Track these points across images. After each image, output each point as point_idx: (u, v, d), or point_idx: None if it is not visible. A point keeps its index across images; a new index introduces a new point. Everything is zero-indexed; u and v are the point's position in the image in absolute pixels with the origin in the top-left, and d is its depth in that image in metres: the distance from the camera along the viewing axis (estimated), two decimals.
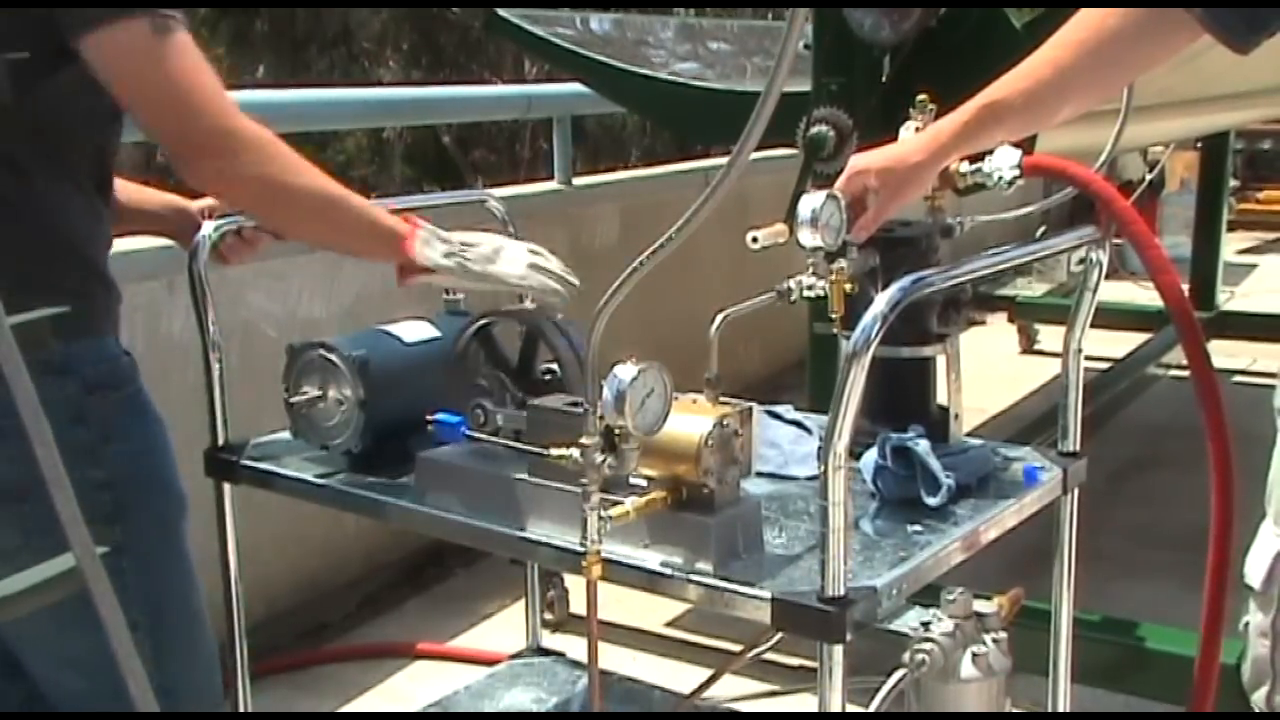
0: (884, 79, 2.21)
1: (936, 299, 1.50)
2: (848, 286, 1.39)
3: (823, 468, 1.10)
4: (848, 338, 1.15)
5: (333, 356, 1.52)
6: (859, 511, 1.37)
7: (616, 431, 1.13)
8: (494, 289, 1.46)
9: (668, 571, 1.21)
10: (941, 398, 1.59)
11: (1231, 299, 5.26)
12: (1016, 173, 1.50)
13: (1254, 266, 6.88)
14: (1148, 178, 5.14)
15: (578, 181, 3.85)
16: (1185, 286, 4.57)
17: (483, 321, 1.47)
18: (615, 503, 1.18)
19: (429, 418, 1.41)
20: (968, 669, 1.11)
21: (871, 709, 1.07)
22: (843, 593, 1.12)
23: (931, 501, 1.36)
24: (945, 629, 1.11)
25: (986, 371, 4.48)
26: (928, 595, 1.22)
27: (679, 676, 2.40)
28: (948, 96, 1.47)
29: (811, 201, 1.34)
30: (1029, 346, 5.16)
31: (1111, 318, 4.25)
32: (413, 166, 6.60)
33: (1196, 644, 1.53)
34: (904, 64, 2.17)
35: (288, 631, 2.68)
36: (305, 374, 1.55)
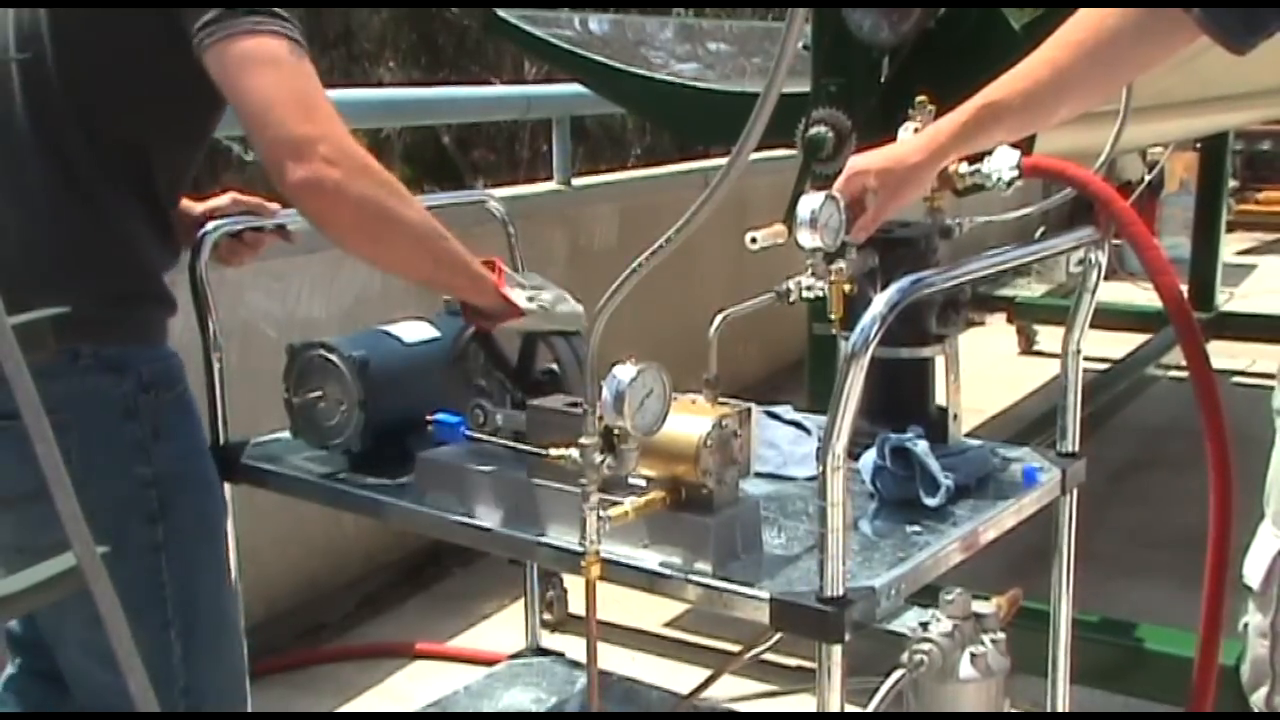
0: (883, 80, 2.21)
1: (936, 300, 1.50)
2: (847, 287, 1.39)
3: (821, 468, 1.10)
4: (846, 338, 1.15)
5: (333, 357, 1.52)
6: (858, 512, 1.37)
7: (615, 432, 1.13)
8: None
9: (666, 572, 1.21)
10: (940, 399, 1.59)
11: (1230, 300, 5.26)
12: (1015, 174, 1.51)
13: (1253, 267, 6.89)
14: (1147, 178, 5.14)
15: (577, 182, 3.85)
16: (1184, 287, 4.57)
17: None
18: (614, 503, 1.18)
19: (429, 418, 1.41)
20: (966, 669, 1.11)
21: (870, 709, 1.07)
22: (841, 593, 1.12)
23: (930, 502, 1.36)
24: (944, 629, 1.11)
25: (985, 372, 4.49)
26: (926, 596, 1.22)
27: (678, 677, 2.40)
28: (946, 97, 1.47)
29: (810, 202, 1.34)
30: (1028, 347, 5.16)
31: (1110, 318, 4.25)
32: (412, 166, 6.60)
33: (1195, 645, 1.53)
34: (903, 65, 2.17)
35: (287, 631, 2.68)
36: (305, 374, 1.55)
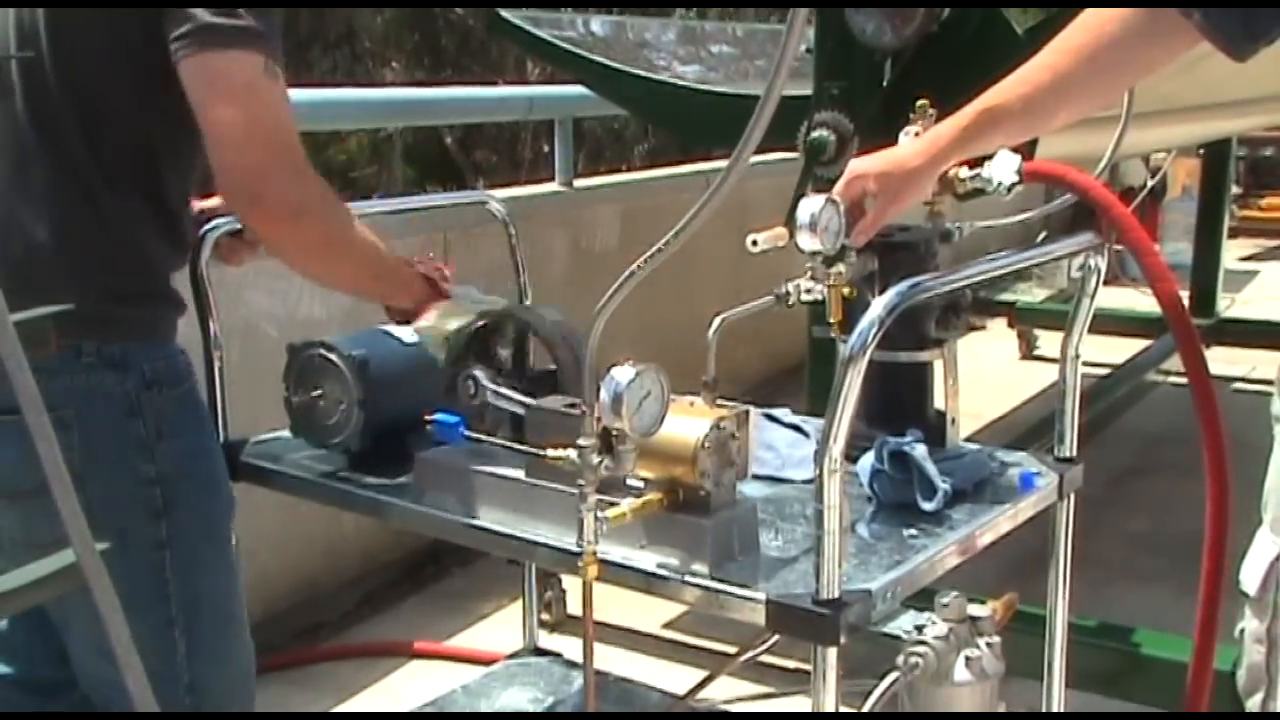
0: (885, 83, 2.21)
1: (935, 304, 1.50)
2: (846, 291, 1.39)
3: (818, 471, 1.10)
4: (845, 341, 1.16)
5: (332, 356, 1.52)
6: (855, 515, 1.37)
7: (613, 433, 1.13)
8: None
9: (663, 573, 1.21)
10: (939, 403, 1.59)
11: (1232, 306, 5.26)
12: (1016, 178, 1.51)
13: (1255, 274, 6.88)
14: (1149, 184, 5.14)
15: (579, 183, 3.85)
16: (1185, 293, 4.54)
17: (481, 323, 1.48)
18: (612, 504, 1.18)
19: (428, 418, 1.41)
20: (961, 672, 1.11)
21: (864, 711, 1.08)
22: (837, 595, 1.12)
23: (927, 507, 1.36)
24: (939, 632, 1.11)
25: (985, 377, 4.49)
26: (923, 599, 1.23)
27: (675, 678, 2.40)
28: (949, 101, 1.48)
29: (810, 205, 1.34)
30: (1028, 352, 5.16)
31: (1110, 324, 4.25)
32: (414, 167, 6.61)
33: (1191, 650, 1.53)
34: (905, 68, 2.17)
35: (285, 630, 2.68)
36: (305, 373, 1.55)
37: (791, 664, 2.40)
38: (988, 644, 1.14)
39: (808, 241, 1.35)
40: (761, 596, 1.15)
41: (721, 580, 1.19)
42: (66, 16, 1.28)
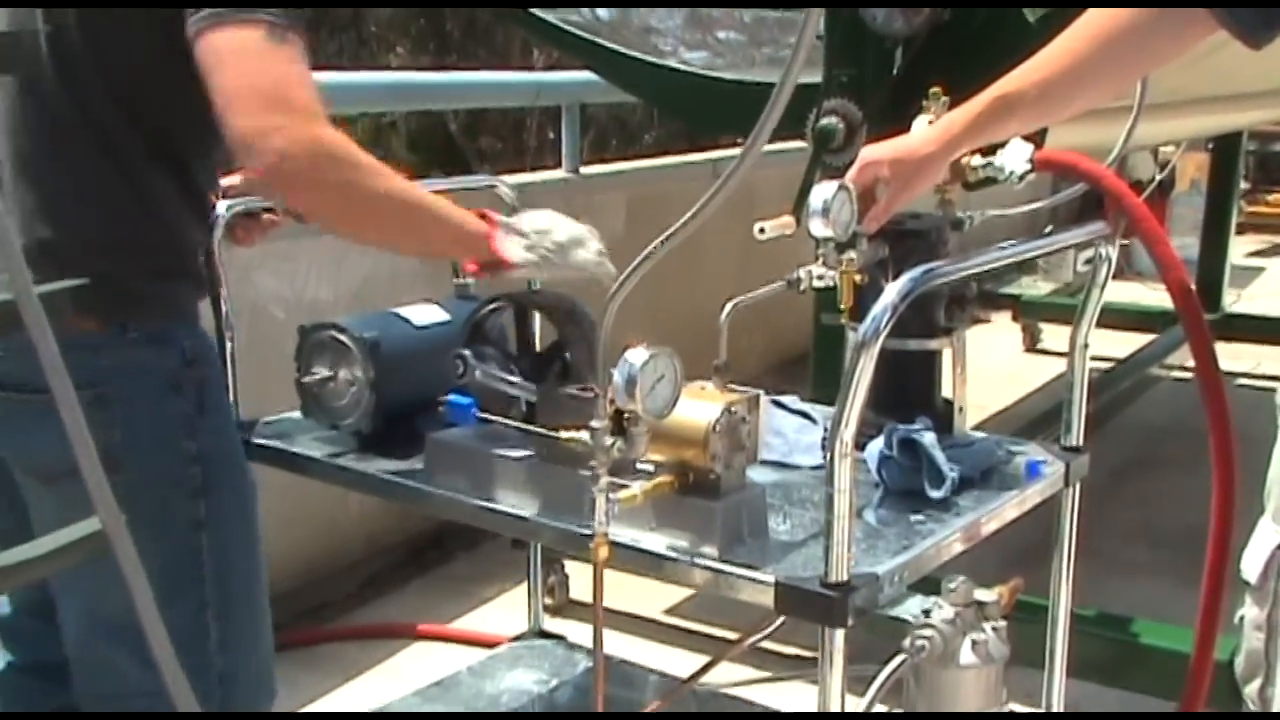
0: (895, 71, 2.21)
1: (943, 293, 1.51)
2: (857, 277, 1.40)
3: (829, 456, 1.11)
4: (855, 328, 1.16)
5: (344, 338, 1.53)
6: (863, 501, 1.38)
7: (626, 415, 1.14)
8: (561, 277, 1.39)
9: (673, 555, 1.22)
10: (947, 391, 1.59)
11: (1238, 301, 5.27)
12: (1028, 167, 1.51)
13: (1262, 270, 6.88)
14: (1157, 177, 5.14)
15: (585, 170, 3.85)
16: (1192, 288, 4.52)
17: (492, 306, 1.48)
18: (623, 486, 1.19)
19: (440, 399, 1.41)
20: (967, 655, 1.12)
21: (871, 693, 1.08)
22: (845, 579, 1.13)
23: (936, 494, 1.37)
24: (945, 616, 1.12)
25: (990, 369, 4.49)
26: (930, 585, 1.23)
27: (677, 663, 2.41)
28: (959, 89, 1.48)
29: (823, 192, 1.35)
30: (1032, 345, 5.17)
31: (1117, 317, 4.25)
32: (418, 153, 6.60)
33: (1191, 640, 1.54)
34: (916, 56, 2.17)
35: (290, 610, 2.69)
36: (316, 354, 1.56)
37: (792, 650, 2.41)
38: (993, 628, 1.14)
39: (820, 228, 1.35)
40: (770, 579, 1.16)
41: (730, 562, 1.19)
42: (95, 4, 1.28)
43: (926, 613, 1.15)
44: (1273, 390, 1.45)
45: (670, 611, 2.76)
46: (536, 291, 1.60)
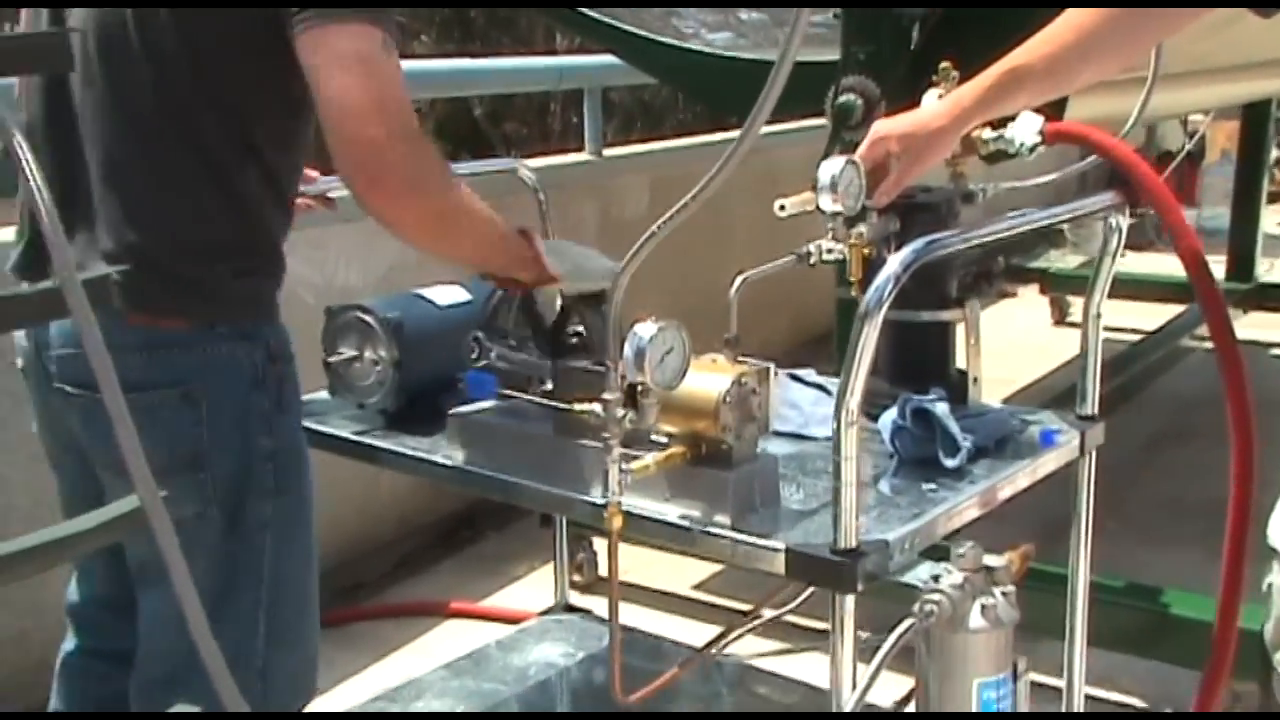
0: (913, 47, 2.22)
1: (957, 264, 1.52)
2: (866, 251, 1.42)
3: (836, 424, 1.13)
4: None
5: (369, 318, 1.57)
6: (877, 471, 1.40)
7: (637, 387, 1.17)
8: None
9: (686, 524, 1.25)
10: (960, 363, 1.61)
11: (1271, 271, 5.20)
12: (1038, 139, 1.52)
13: None
14: (1187, 147, 5.08)
15: (608, 153, 3.87)
16: (1223, 258, 4.47)
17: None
18: (636, 458, 1.22)
19: (461, 377, 1.45)
20: (976, 620, 1.14)
21: (879, 657, 1.11)
22: (855, 545, 1.15)
23: (949, 463, 1.39)
24: (955, 581, 1.14)
25: (1018, 343, 4.48)
26: (943, 553, 1.25)
27: (704, 637, 2.44)
28: (977, 63, 1.48)
29: (831, 167, 1.36)
30: (1061, 319, 5.13)
31: (1147, 290, 4.23)
32: (445, 140, 6.64)
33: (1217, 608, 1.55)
34: (932, 32, 2.18)
35: (325, 590, 2.73)
36: (342, 335, 1.60)
37: (822, 625, 2.43)
38: (1003, 593, 1.16)
39: (828, 203, 1.37)
40: (781, 546, 1.19)
41: (742, 531, 1.22)
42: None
43: (936, 578, 1.17)
44: None
45: (698, 587, 2.79)
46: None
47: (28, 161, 0.75)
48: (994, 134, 1.52)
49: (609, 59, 3.50)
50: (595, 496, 1.29)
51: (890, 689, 1.45)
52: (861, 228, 1.42)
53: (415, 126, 1.26)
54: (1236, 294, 4.14)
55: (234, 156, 1.31)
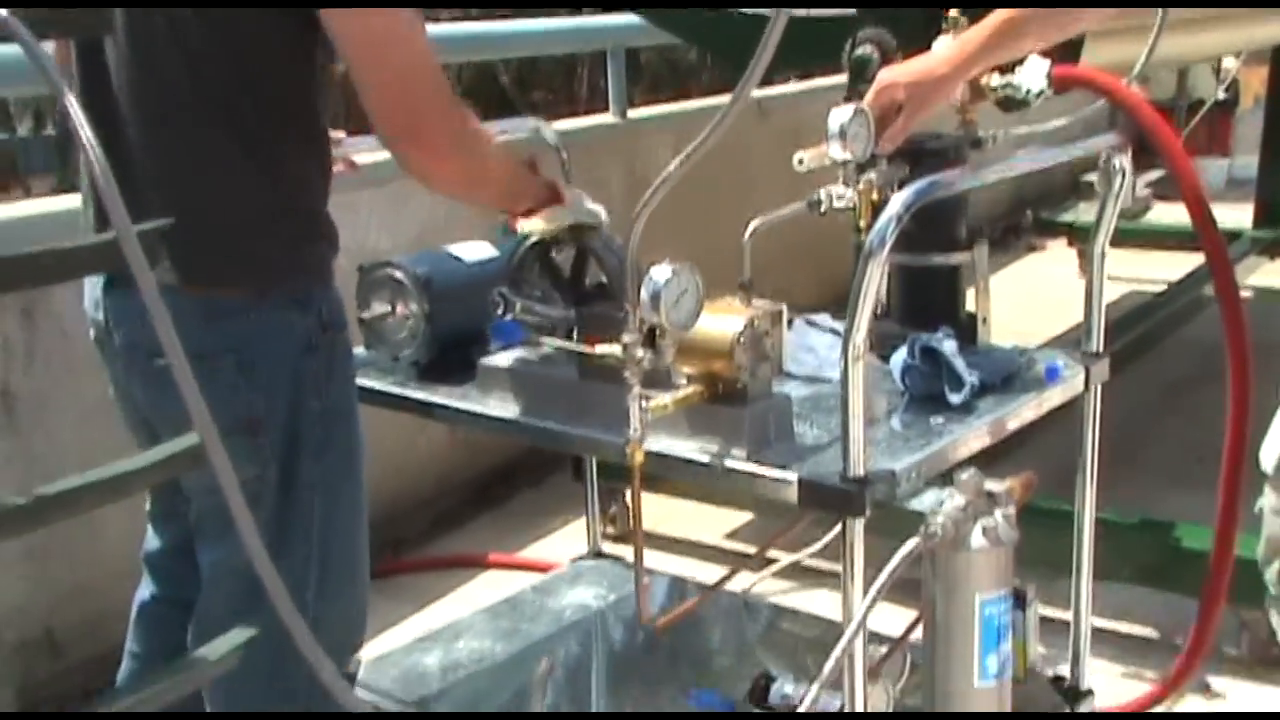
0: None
1: (964, 210, 1.57)
2: (875, 196, 1.47)
3: (843, 359, 1.20)
4: None
5: (399, 274, 1.65)
6: (889, 407, 1.46)
7: (655, 328, 1.24)
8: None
9: (704, 459, 1.32)
10: (970, 305, 1.66)
11: None
12: (1045, 84, 1.56)
13: None
14: (1217, 94, 5.03)
15: (632, 114, 3.91)
16: (1251, 205, 4.40)
17: (536, 239, 1.58)
18: (657, 398, 1.29)
19: (489, 326, 1.52)
20: (978, 540, 1.20)
21: (884, 575, 1.17)
22: (863, 474, 1.22)
23: (955, 399, 1.45)
24: (958, 504, 1.20)
25: (1044, 295, 4.48)
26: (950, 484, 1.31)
27: (733, 583, 2.51)
28: (984, 11, 1.52)
29: (840, 115, 1.42)
30: None
31: (1172, 239, 4.22)
32: (473, 106, 6.70)
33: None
34: None
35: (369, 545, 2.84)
36: (375, 291, 1.68)
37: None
38: (1004, 515, 1.22)
39: (838, 150, 1.42)
40: (794, 477, 1.26)
41: (758, 464, 1.29)
42: None
43: (940, 503, 1.23)
44: None
45: (730, 536, 2.86)
46: (574, 226, 1.68)
47: (80, 119, 0.81)
48: (1002, 80, 1.56)
49: (630, 18, 3.54)
50: (618, 436, 1.36)
51: (899, 621, 1.52)
52: (871, 174, 1.47)
53: (448, 87, 1.35)
54: (1263, 241, 4.12)
55: (271, 127, 1.35)
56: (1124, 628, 2.26)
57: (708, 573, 2.61)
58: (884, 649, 1.52)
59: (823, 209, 1.47)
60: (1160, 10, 1.75)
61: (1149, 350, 3.46)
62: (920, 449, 1.32)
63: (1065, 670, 1.77)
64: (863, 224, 1.47)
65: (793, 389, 1.50)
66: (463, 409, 1.57)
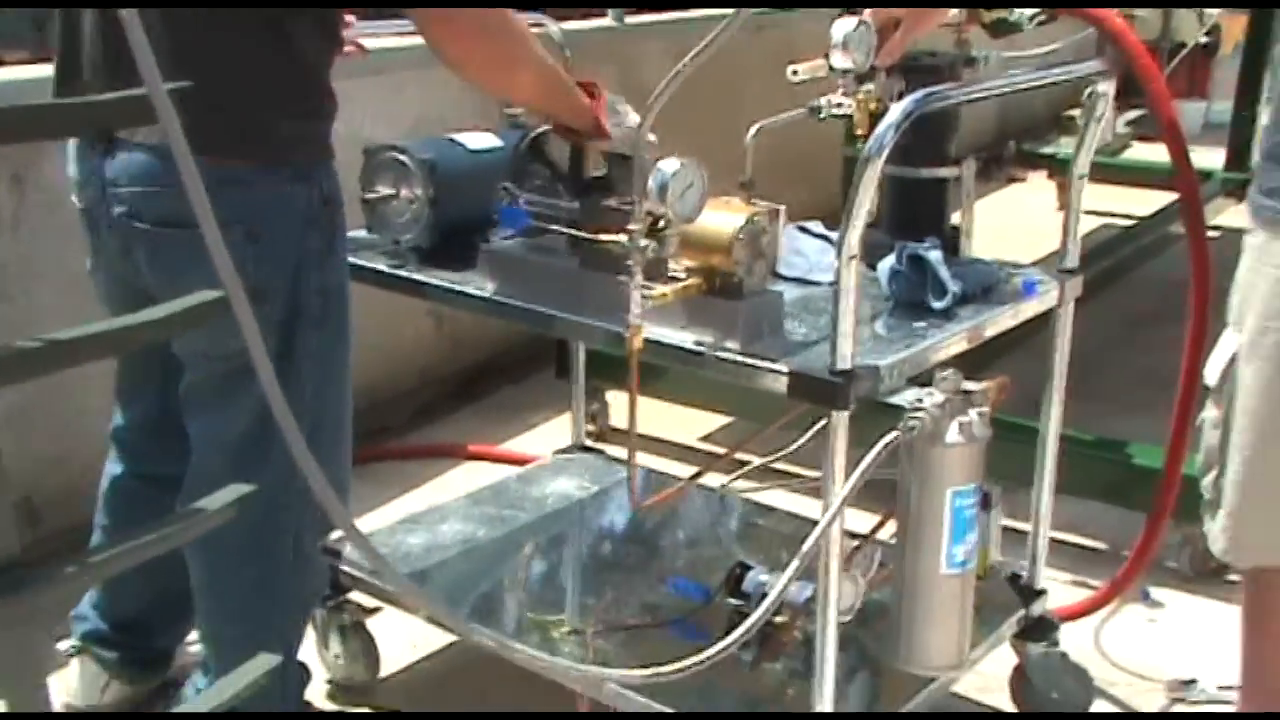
0: None
1: (954, 125, 1.63)
2: (873, 107, 1.53)
3: (836, 260, 1.26)
4: None
5: (404, 158, 1.68)
6: (874, 312, 1.54)
7: (659, 220, 1.30)
8: None
9: (700, 349, 1.39)
10: (955, 219, 1.73)
11: None
12: (1037, 10, 1.61)
13: None
14: (1197, 38, 5.06)
15: (630, 20, 3.91)
16: (1224, 149, 4.46)
17: (540, 130, 1.62)
18: (657, 289, 1.35)
19: (494, 212, 1.57)
20: (953, 434, 1.29)
21: (864, 464, 1.26)
22: (849, 368, 1.30)
23: (937, 305, 1.52)
24: (936, 401, 1.29)
25: (1025, 226, 4.54)
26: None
27: (708, 481, 2.60)
28: None
29: (843, 26, 1.47)
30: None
31: (1150, 176, 4.29)
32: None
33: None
34: None
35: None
36: (379, 174, 1.71)
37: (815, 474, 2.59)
38: (979, 414, 1.31)
39: (840, 59, 1.47)
40: (784, 368, 1.33)
41: (751, 355, 1.36)
42: None
43: (920, 400, 1.31)
44: None
45: (704, 439, 2.95)
46: None
47: None
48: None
49: None
50: (618, 325, 1.42)
51: (869, 524, 1.61)
52: (870, 85, 1.53)
53: None
54: (1233, 183, 4.21)
55: (287, 5, 1.37)
56: (1076, 539, 2.39)
57: (684, 472, 2.71)
58: (855, 544, 1.61)
59: (822, 115, 1.53)
60: None
61: (1115, 282, 3.56)
62: (903, 349, 1.39)
63: (1022, 572, 1.88)
64: (860, 133, 1.52)
65: (783, 289, 1.57)
66: (463, 292, 1.62)
